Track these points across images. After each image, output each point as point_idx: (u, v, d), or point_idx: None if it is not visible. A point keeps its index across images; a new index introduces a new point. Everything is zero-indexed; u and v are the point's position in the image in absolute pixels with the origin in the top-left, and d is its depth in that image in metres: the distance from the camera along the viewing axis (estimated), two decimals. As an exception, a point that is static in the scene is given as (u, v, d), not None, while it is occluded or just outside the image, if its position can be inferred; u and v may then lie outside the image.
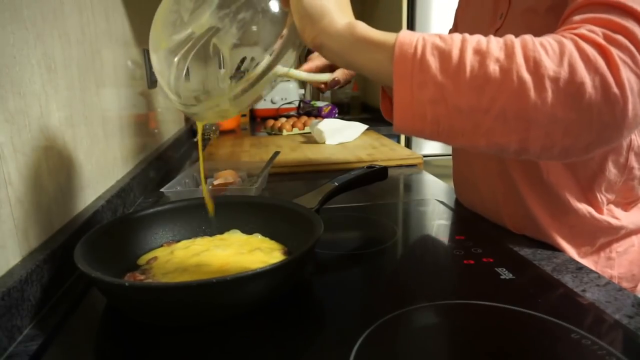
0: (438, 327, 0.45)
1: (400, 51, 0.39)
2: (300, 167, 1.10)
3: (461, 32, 0.82)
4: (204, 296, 0.43)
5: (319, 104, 1.91)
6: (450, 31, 0.88)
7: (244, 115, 1.90)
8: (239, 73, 0.45)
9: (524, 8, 0.59)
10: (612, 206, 0.63)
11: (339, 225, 0.73)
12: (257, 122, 2.02)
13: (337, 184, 0.69)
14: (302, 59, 0.76)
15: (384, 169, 0.79)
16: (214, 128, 1.59)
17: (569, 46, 0.37)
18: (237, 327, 0.44)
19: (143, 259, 0.56)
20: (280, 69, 0.49)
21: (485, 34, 0.50)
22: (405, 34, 0.40)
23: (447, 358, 0.41)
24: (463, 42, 0.39)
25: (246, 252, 0.57)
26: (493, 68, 0.37)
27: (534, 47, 0.38)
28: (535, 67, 0.37)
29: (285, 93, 2.03)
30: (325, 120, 1.39)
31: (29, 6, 0.54)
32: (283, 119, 1.65)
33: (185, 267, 0.53)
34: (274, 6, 0.46)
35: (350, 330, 0.43)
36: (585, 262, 0.63)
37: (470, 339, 0.43)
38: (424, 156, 1.23)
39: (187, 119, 1.69)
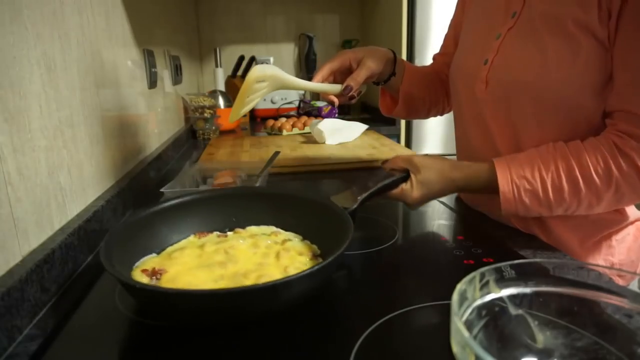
0: (438, 327, 0.45)
1: (505, 198, 0.60)
2: (300, 167, 1.10)
3: (468, 29, 0.84)
4: (235, 303, 0.42)
5: (319, 103, 1.91)
6: (447, 35, 0.88)
7: (244, 116, 1.90)
8: None
9: (539, 10, 0.60)
10: None
11: (339, 225, 0.72)
12: (257, 122, 2.02)
13: (371, 185, 0.64)
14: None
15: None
16: (214, 128, 1.59)
17: (616, 177, 0.55)
18: (235, 328, 0.44)
19: (169, 251, 0.56)
20: (290, 80, 0.67)
21: (497, 32, 0.67)
22: (504, 186, 0.59)
23: (447, 358, 0.41)
24: (543, 183, 0.57)
25: (273, 253, 0.54)
26: (571, 200, 0.58)
27: (600, 187, 0.56)
28: (597, 198, 0.57)
29: (285, 93, 2.03)
30: (325, 120, 1.39)
31: (29, 6, 0.54)
32: (283, 119, 1.65)
33: (210, 264, 0.52)
34: None
35: (350, 330, 0.43)
36: (588, 252, 0.65)
37: (470, 339, 0.43)
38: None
39: (187, 119, 1.69)
